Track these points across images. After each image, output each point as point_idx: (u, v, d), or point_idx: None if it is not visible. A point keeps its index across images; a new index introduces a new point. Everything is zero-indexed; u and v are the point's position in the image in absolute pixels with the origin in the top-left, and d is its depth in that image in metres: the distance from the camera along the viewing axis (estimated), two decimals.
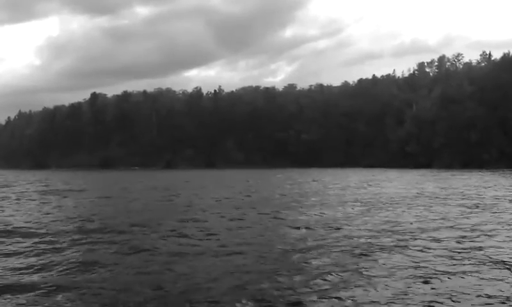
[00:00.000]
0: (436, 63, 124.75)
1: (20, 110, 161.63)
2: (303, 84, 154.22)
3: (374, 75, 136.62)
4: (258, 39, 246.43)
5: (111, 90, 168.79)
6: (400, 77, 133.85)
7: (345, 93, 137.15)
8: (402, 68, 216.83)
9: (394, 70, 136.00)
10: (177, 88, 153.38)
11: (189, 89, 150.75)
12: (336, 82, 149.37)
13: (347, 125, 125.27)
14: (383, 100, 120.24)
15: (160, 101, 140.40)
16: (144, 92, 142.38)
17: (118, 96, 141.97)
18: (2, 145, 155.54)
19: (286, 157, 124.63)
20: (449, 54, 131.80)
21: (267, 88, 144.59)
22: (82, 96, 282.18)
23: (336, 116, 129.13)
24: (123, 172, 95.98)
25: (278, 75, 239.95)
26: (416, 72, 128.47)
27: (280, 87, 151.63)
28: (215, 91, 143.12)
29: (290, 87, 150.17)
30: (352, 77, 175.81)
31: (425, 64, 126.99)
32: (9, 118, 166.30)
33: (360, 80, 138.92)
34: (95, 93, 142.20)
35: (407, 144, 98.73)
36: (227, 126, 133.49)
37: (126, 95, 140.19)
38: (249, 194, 27.55)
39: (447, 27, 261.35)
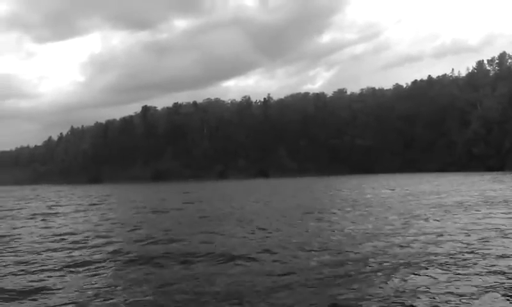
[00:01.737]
0: (496, 61, 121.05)
1: (72, 126, 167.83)
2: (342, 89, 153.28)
3: (429, 76, 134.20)
4: (296, 47, 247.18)
5: (153, 103, 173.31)
6: (457, 76, 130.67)
7: (399, 95, 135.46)
8: (445, 69, 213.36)
9: (453, 69, 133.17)
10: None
11: (238, 99, 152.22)
12: (385, 85, 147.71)
13: (404, 129, 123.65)
14: (442, 101, 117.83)
15: (210, 111, 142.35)
16: (195, 103, 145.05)
17: (168, 108, 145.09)
18: (56, 161, 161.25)
19: (341, 163, 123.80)
20: (492, 52, 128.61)
21: (317, 94, 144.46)
22: (126, 110, 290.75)
23: (391, 120, 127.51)
24: (181, 184, 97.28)
25: (316, 82, 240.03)
26: (475, 71, 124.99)
27: (329, 92, 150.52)
28: (264, 99, 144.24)
29: (340, 93, 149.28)
30: (392, 81, 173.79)
31: (485, 62, 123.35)
32: (61, 134, 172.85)
33: (415, 82, 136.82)
34: (146, 106, 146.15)
35: (474, 146, 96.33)
36: (278, 134, 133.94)
37: (176, 107, 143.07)
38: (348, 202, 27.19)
39: (488, 25, 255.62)
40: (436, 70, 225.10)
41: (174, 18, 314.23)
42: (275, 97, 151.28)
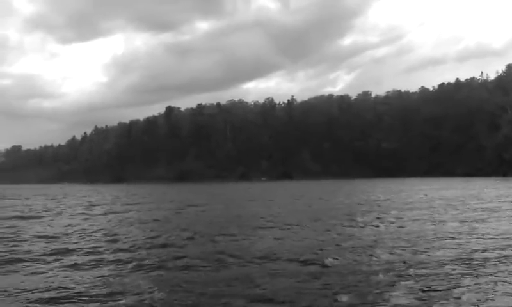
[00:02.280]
0: None
1: (96, 126, 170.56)
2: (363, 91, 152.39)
3: (457, 79, 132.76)
4: (317, 49, 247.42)
5: (174, 104, 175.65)
6: (485, 80, 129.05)
7: (426, 98, 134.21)
8: (469, 72, 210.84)
9: (481, 72, 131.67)
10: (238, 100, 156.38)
11: (260, 100, 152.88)
12: (411, 88, 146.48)
13: (431, 132, 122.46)
14: (470, 105, 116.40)
15: (233, 113, 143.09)
16: (218, 104, 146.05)
17: (192, 109, 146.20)
18: (80, 160, 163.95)
19: (365, 166, 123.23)
20: None
21: (341, 96, 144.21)
22: (148, 111, 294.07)
23: (418, 123, 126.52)
24: (209, 185, 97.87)
25: (337, 84, 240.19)
26: (504, 74, 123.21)
27: (353, 95, 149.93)
28: (288, 100, 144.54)
29: (364, 95, 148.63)
30: (415, 84, 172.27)
31: None
32: (85, 133, 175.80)
33: (442, 85, 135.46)
34: (170, 106, 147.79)
35: (505, 150, 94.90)
36: (302, 136, 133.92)
37: (200, 108, 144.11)
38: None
39: None
40: (460, 73, 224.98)
41: (196, 20, 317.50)
42: (297, 99, 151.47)
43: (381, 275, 8.47)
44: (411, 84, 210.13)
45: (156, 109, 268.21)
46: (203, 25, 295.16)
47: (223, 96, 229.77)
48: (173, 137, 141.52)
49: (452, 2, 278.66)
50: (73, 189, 77.92)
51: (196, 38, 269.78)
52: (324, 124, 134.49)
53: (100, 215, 22.82)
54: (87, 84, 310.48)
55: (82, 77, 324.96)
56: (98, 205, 31.15)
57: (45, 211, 26.00)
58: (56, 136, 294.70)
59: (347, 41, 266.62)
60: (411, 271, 8.75)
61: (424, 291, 7.46)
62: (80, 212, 24.78)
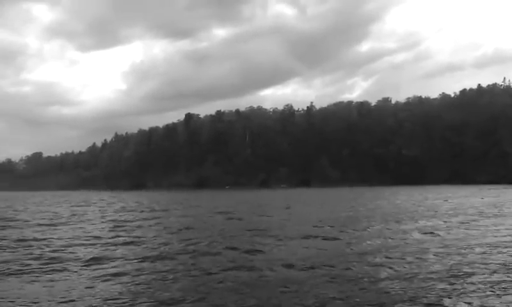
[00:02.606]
0: None
1: (116, 133, 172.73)
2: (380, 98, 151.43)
3: (479, 84, 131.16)
4: (334, 56, 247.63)
5: (192, 111, 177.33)
6: (508, 85, 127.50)
7: (447, 104, 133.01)
8: (487, 78, 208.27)
9: (504, 78, 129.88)
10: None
11: (279, 107, 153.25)
12: (431, 94, 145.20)
13: (453, 139, 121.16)
14: (493, 111, 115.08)
15: (252, 120, 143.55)
16: (237, 111, 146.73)
17: (211, 116, 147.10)
18: (101, 167, 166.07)
19: (385, 174, 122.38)
20: None
21: (361, 102, 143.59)
22: (166, 118, 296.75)
23: (439, 130, 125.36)
24: (230, 192, 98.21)
25: (354, 91, 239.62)
26: None
27: (372, 101, 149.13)
28: (308, 107, 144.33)
29: (384, 101, 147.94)
30: (433, 90, 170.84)
31: None
32: (105, 140, 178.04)
33: (463, 91, 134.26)
34: (189, 113, 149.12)
35: None
36: (322, 143, 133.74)
37: (219, 114, 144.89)
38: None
39: None
40: (478, 79, 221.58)
41: (213, 27, 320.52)
42: (316, 106, 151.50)
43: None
44: (429, 91, 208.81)
45: (174, 116, 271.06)
46: (220, 32, 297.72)
47: (240, 103, 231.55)
48: (192, 143, 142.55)
49: (470, 8, 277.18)
50: (96, 196, 78.67)
51: (214, 45, 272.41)
52: (344, 130, 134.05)
53: (131, 221, 22.75)
54: (106, 92, 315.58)
55: (101, 84, 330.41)
56: (129, 212, 31.61)
57: (81, 216, 26.53)
58: (75, 143, 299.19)
59: (364, 47, 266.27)
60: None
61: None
62: (112, 218, 24.95)
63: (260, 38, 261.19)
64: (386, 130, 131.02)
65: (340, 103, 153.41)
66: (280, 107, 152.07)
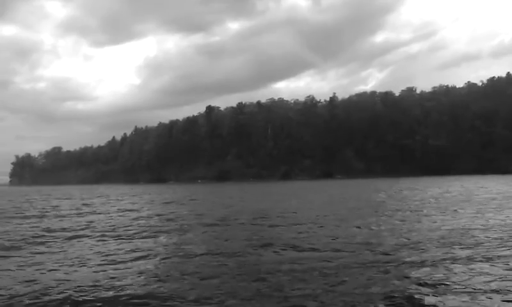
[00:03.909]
0: None
1: (136, 126, 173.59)
2: (396, 89, 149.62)
3: (508, 73, 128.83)
4: (348, 47, 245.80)
5: (206, 105, 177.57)
6: None
7: (475, 93, 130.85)
8: (504, 68, 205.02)
9: None
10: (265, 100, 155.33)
11: (301, 99, 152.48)
12: (457, 83, 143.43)
13: (482, 128, 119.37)
14: None
15: (274, 111, 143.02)
16: (258, 103, 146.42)
17: (232, 108, 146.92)
18: (121, 160, 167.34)
19: (411, 164, 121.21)
20: None
21: (385, 93, 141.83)
22: (181, 112, 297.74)
23: (467, 119, 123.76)
24: (252, 184, 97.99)
25: (368, 82, 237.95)
26: None
27: (396, 91, 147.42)
28: (330, 98, 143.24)
29: (409, 91, 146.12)
30: (449, 81, 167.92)
31: None
32: (125, 134, 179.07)
33: (492, 79, 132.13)
34: (210, 106, 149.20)
35: None
36: (345, 134, 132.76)
37: (240, 107, 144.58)
38: None
39: None
40: (495, 69, 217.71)
41: (227, 20, 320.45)
42: (350, 96, 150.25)
43: None
44: (445, 81, 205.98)
45: (188, 110, 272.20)
46: (233, 26, 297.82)
47: (254, 96, 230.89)
48: (213, 136, 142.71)
49: None
50: (122, 189, 78.99)
51: (227, 39, 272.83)
52: (368, 121, 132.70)
53: (166, 215, 21.80)
54: (120, 87, 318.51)
55: (115, 79, 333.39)
56: (162, 204, 31.61)
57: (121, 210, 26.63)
58: (90, 138, 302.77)
59: (379, 38, 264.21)
60: None
61: None
62: (154, 212, 24.48)
63: (274, 31, 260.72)
64: (412, 120, 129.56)
65: (363, 93, 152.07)
66: (301, 99, 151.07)
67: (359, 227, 14.30)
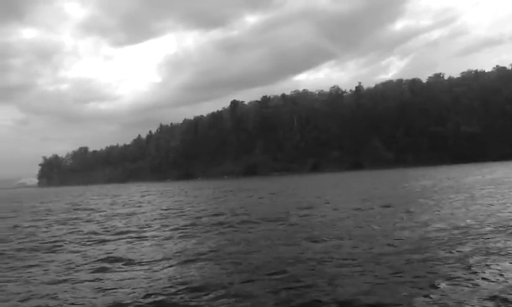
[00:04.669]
0: None
1: (161, 124, 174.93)
2: (419, 77, 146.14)
3: None
4: (367, 37, 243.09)
5: (227, 100, 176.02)
6: None
7: (505, 77, 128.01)
8: None
9: None
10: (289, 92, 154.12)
11: (326, 89, 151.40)
12: (486, 67, 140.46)
13: None
14: None
15: (299, 103, 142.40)
16: (283, 95, 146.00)
17: (257, 102, 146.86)
18: (148, 158, 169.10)
19: (442, 152, 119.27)
20: None
21: (413, 79, 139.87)
22: (203, 108, 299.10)
23: (499, 104, 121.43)
24: (282, 178, 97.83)
25: (389, 71, 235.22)
26: None
27: (423, 78, 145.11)
28: (356, 87, 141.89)
29: (437, 77, 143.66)
30: (471, 66, 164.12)
31: None
32: (150, 132, 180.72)
33: None
34: (235, 100, 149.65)
35: None
36: (373, 124, 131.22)
37: (265, 100, 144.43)
38: None
39: None
40: None
41: (244, 14, 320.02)
42: (376, 84, 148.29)
43: None
44: (467, 67, 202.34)
45: (210, 106, 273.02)
46: (251, 19, 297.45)
47: (274, 90, 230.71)
48: (239, 131, 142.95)
49: None
50: (158, 187, 79.69)
51: (245, 33, 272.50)
52: (396, 110, 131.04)
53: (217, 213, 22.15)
54: (141, 85, 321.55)
55: (136, 78, 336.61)
56: (210, 200, 31.85)
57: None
58: (114, 137, 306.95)
59: (398, 25, 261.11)
60: None
61: None
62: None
63: (292, 23, 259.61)
64: (442, 107, 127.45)
65: (389, 82, 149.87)
66: (325, 90, 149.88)
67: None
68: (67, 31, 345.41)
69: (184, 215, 21.38)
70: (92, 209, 30.60)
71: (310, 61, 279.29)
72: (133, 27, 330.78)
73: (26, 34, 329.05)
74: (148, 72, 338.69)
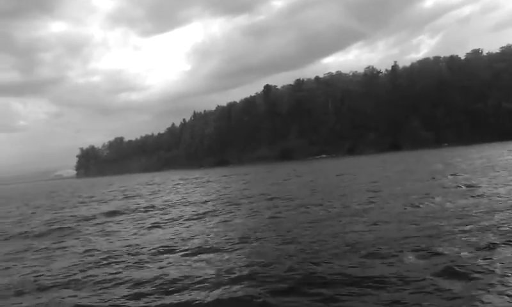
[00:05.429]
0: None
1: (194, 111, 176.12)
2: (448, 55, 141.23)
3: None
4: (397, 16, 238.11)
5: (258, 85, 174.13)
6: None
7: None
8: None
9: None
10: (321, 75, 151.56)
11: (359, 70, 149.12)
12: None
13: None
14: None
15: (333, 85, 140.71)
16: (317, 78, 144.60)
17: (290, 85, 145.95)
18: (183, 146, 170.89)
19: (484, 130, 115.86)
20: None
21: (450, 57, 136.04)
22: (231, 95, 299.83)
23: None
24: (321, 162, 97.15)
25: (420, 50, 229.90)
26: None
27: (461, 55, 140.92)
28: (392, 67, 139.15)
29: (475, 53, 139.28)
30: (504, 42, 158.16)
31: None
32: (184, 120, 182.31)
33: None
34: (268, 85, 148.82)
35: None
36: (410, 103, 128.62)
37: (299, 83, 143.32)
38: None
39: None
40: None
41: None
42: (412, 63, 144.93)
43: None
44: (500, 43, 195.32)
45: (239, 93, 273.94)
46: (278, 3, 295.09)
47: (303, 73, 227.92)
48: (273, 115, 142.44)
49: None
50: (202, 174, 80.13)
51: (272, 17, 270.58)
52: (434, 88, 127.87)
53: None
54: (171, 74, 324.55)
55: (165, 67, 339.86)
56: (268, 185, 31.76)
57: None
58: (146, 126, 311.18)
59: (428, 3, 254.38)
60: None
61: None
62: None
63: (319, 4, 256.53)
64: (482, 84, 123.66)
65: (425, 59, 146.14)
66: (363, 70, 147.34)
67: None
68: (96, 23, 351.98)
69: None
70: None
71: (338, 42, 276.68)
72: (160, 16, 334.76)
73: (55, 27, 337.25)
74: (177, 61, 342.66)
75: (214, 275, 8.61)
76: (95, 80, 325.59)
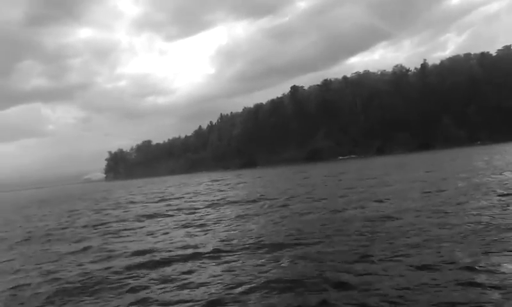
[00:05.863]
0: None
1: (221, 114, 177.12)
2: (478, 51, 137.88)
3: None
4: (423, 13, 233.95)
5: (282, 87, 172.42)
6: None
7: None
8: None
9: None
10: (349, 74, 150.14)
11: (388, 69, 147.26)
12: None
13: None
14: None
15: (361, 85, 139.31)
16: (345, 78, 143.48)
17: (318, 86, 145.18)
18: (210, 148, 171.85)
19: None
20: None
21: (482, 53, 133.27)
22: (256, 97, 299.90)
23: None
24: (350, 162, 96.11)
25: (447, 48, 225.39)
26: None
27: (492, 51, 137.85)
28: (422, 65, 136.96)
29: (507, 49, 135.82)
30: None
31: None
32: (211, 122, 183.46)
33: None
34: (294, 85, 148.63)
35: None
36: (441, 101, 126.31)
37: (326, 83, 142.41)
38: None
39: None
40: None
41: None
42: (442, 61, 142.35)
43: None
44: None
45: (264, 95, 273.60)
46: (301, 4, 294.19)
47: (327, 74, 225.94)
48: (300, 116, 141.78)
49: None
50: (232, 176, 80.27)
51: (296, 18, 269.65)
52: (466, 86, 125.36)
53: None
54: (196, 77, 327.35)
55: (191, 70, 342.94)
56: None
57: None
58: (173, 129, 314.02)
59: (455, 0, 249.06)
60: None
61: None
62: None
63: (343, 4, 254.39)
64: None
65: (456, 57, 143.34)
66: (392, 68, 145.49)
67: None
68: (122, 28, 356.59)
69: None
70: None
71: (363, 42, 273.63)
72: (184, 20, 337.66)
73: (83, 34, 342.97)
74: (202, 64, 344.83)
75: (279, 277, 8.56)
76: (122, 85, 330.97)
